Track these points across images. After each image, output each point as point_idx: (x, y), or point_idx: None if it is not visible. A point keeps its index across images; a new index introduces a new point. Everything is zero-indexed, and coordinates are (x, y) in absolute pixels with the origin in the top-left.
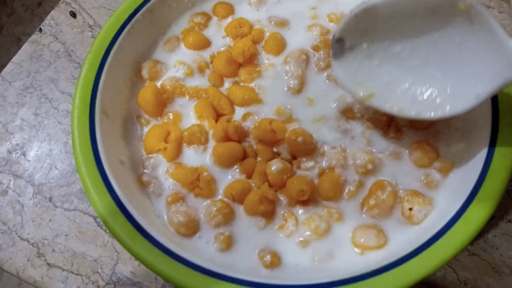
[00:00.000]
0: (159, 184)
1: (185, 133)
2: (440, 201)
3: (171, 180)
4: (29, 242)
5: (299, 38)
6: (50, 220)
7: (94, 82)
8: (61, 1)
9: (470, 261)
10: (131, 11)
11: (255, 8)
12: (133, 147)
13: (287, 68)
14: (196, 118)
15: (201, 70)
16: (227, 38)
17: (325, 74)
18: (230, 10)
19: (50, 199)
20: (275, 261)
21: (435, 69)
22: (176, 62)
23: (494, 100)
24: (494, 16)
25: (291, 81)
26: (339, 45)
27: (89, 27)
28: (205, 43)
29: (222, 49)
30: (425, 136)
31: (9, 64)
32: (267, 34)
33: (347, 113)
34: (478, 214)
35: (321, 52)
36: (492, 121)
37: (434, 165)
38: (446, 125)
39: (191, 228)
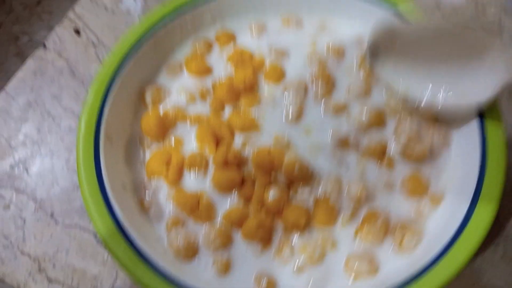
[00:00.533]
0: (159, 207)
1: (186, 158)
2: (431, 231)
3: (172, 204)
4: (30, 257)
5: (298, 68)
6: (51, 236)
7: (99, 109)
8: (65, 18)
9: (458, 284)
10: (136, 39)
11: (256, 37)
12: (135, 171)
13: (286, 97)
14: (197, 143)
15: (203, 96)
16: (229, 65)
17: (322, 103)
18: (231, 37)
19: (52, 215)
20: (271, 287)
21: (457, 68)
22: (179, 88)
23: (482, 138)
24: None
25: (290, 110)
26: (375, 48)
27: (93, 45)
28: (207, 70)
29: (223, 75)
30: (417, 167)
31: (13, 79)
32: (267, 62)
33: (343, 143)
34: (468, 244)
35: (319, 82)
36: (481, 155)
37: (425, 195)
38: (437, 158)
39: (190, 252)
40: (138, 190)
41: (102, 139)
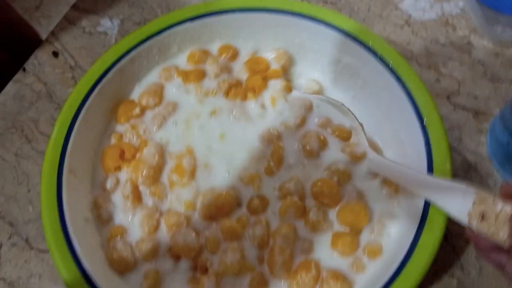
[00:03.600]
0: (110, 208)
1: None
2: (359, 285)
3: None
4: (5, 281)
5: None
6: (25, 261)
7: (63, 144)
8: (45, 40)
9: None
10: (107, 66)
11: None
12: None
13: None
14: None
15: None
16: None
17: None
18: (234, 50)
19: (26, 240)
20: None
21: None
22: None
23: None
24: (455, 68)
25: None
26: None
27: (70, 68)
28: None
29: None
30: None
31: None
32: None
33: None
34: None
35: None
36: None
37: (360, 249)
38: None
39: (122, 265)
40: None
41: (65, 173)
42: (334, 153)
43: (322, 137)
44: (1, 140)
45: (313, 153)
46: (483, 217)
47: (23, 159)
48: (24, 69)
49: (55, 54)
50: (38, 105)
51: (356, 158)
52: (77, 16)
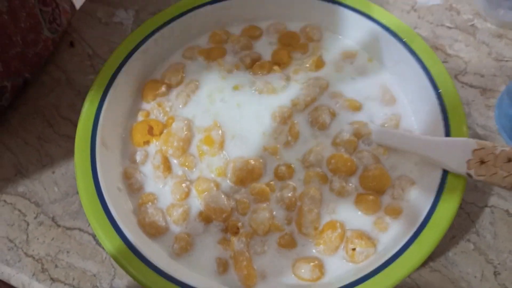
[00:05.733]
0: (141, 178)
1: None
2: (382, 244)
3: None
4: (34, 258)
5: None
6: (53, 238)
7: (94, 118)
8: (62, 30)
9: (432, 276)
10: (130, 48)
11: None
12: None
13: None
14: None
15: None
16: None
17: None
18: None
19: (53, 218)
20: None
21: None
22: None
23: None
24: (461, 49)
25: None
26: None
27: (88, 56)
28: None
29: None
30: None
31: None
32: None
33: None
34: (410, 261)
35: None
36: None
37: (382, 210)
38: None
39: (153, 229)
40: (126, 157)
41: (98, 146)
42: (342, 124)
43: (331, 109)
44: (23, 124)
45: (325, 125)
46: (482, 162)
47: (46, 142)
48: None
49: (72, 44)
50: (58, 91)
51: (360, 136)
52: (93, 8)
